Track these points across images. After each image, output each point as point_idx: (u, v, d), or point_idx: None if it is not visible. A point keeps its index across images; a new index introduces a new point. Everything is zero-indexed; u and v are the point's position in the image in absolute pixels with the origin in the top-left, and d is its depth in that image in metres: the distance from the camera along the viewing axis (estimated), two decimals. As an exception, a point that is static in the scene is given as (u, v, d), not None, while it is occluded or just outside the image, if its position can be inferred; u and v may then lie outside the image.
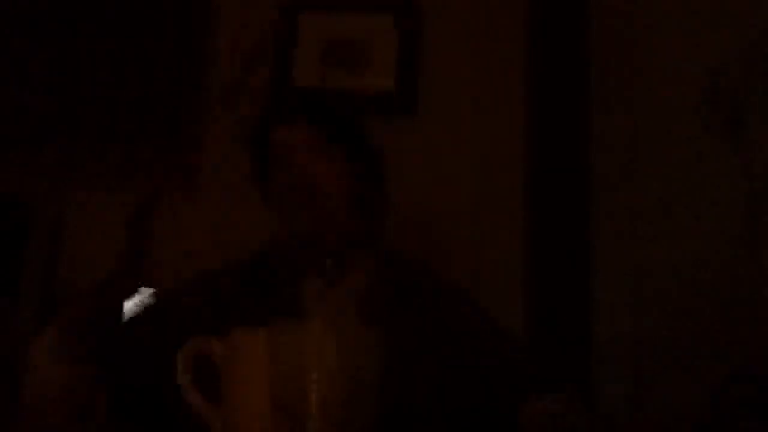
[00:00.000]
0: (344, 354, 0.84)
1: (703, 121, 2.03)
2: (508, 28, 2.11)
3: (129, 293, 1.19)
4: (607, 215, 2.01)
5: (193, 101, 2.09)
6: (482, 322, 1.39)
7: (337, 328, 0.86)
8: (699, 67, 2.06)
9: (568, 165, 2.02)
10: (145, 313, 1.34)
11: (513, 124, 2.05)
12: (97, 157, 2.05)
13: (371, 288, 1.36)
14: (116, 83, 2.10)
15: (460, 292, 1.44)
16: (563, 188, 2.00)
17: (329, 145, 1.37)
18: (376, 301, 1.33)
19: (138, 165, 2.04)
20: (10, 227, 1.98)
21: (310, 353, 0.83)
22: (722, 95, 2.03)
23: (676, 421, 1.80)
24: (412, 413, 1.21)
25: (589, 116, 2.04)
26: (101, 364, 1.17)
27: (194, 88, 2.10)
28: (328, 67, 2.10)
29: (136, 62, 2.11)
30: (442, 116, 2.07)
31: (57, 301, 1.89)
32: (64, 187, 2.04)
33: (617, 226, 2.01)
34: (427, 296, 1.38)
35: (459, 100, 2.07)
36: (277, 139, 1.38)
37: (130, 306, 1.35)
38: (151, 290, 1.42)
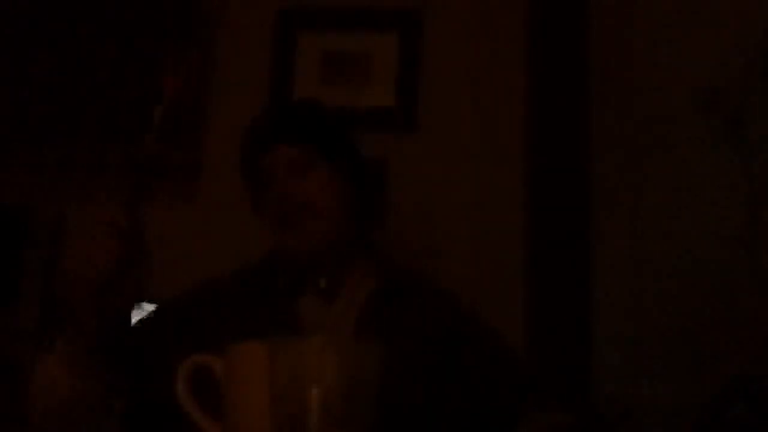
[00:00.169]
0: (344, 370, 0.84)
1: (703, 121, 2.03)
2: (508, 42, 2.10)
3: (131, 296, 1.18)
4: (607, 215, 2.01)
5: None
6: (479, 329, 1.39)
7: (337, 344, 0.87)
8: (699, 68, 2.05)
9: (568, 165, 2.02)
10: (144, 324, 1.35)
11: (513, 137, 2.05)
12: (97, 160, 2.04)
13: (369, 300, 1.35)
14: (116, 84, 2.10)
15: (457, 300, 1.44)
16: (563, 189, 2.00)
17: (314, 163, 1.35)
18: (375, 314, 1.33)
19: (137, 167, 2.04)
20: (9, 231, 1.98)
21: (310, 369, 0.83)
22: (722, 95, 2.02)
23: (676, 421, 1.80)
24: (411, 425, 1.21)
25: (589, 116, 2.04)
26: (112, 374, 1.17)
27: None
28: (327, 84, 2.09)
29: (136, 63, 2.11)
30: (443, 132, 2.06)
31: (57, 305, 1.89)
32: (64, 191, 2.04)
33: (617, 226, 2.01)
34: (424, 305, 1.38)
35: (459, 114, 2.06)
36: (261, 166, 1.37)
37: (133, 317, 1.35)
38: (151, 306, 1.42)
